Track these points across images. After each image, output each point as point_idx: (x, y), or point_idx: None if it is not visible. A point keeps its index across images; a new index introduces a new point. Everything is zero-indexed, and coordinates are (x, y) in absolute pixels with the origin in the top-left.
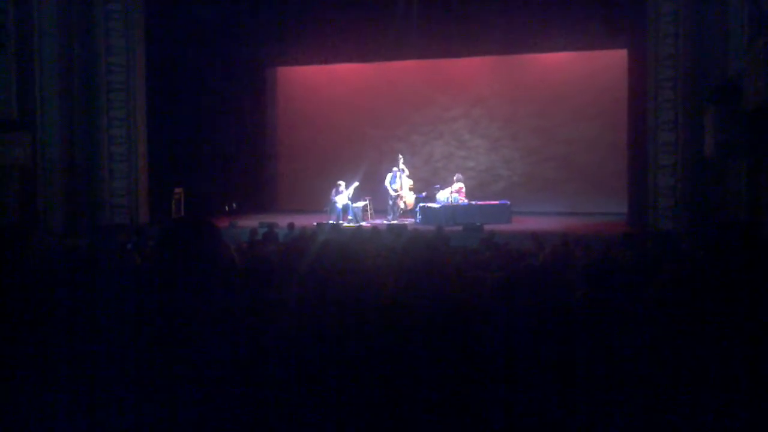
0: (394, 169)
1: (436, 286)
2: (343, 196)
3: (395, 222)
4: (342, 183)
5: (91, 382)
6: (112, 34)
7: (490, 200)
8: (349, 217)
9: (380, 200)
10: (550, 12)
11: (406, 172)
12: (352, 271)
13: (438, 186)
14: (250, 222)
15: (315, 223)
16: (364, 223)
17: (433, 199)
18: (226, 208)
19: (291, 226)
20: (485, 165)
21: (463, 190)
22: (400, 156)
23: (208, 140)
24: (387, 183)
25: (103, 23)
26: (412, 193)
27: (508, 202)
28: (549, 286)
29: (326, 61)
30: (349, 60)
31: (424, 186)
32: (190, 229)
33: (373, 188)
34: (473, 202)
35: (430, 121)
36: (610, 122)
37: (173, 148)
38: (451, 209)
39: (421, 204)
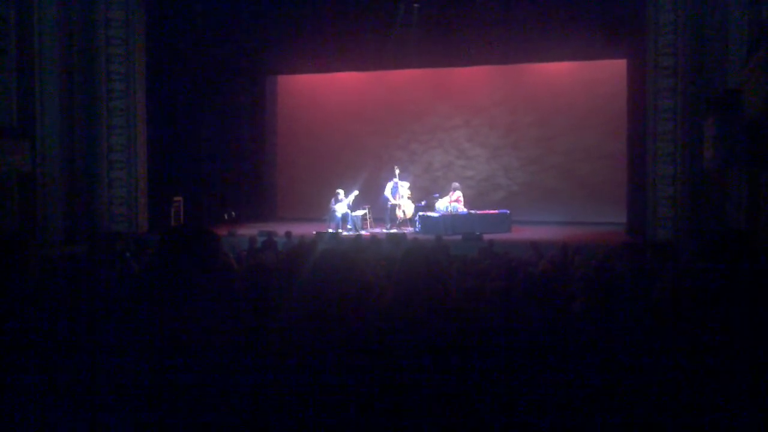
0: (395, 180)
1: (436, 295)
2: (343, 204)
3: (394, 231)
4: (341, 191)
5: (90, 390)
6: (112, 42)
7: (489, 209)
8: (348, 226)
9: (380, 209)
10: (551, 22)
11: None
12: (351, 280)
13: (437, 195)
14: (249, 230)
15: (314, 232)
16: (363, 232)
17: (432, 208)
18: (225, 216)
19: (289, 234)
20: (485, 174)
21: (461, 198)
22: (396, 167)
23: (208, 148)
24: (388, 193)
25: (103, 31)
26: (410, 201)
27: (508, 211)
28: (548, 295)
29: (327, 70)
30: (350, 68)
31: (424, 195)
32: (188, 238)
33: (372, 197)
34: (473, 211)
35: (430, 129)
36: (610, 132)
37: (173, 156)
38: (450, 218)
39: (421, 213)
